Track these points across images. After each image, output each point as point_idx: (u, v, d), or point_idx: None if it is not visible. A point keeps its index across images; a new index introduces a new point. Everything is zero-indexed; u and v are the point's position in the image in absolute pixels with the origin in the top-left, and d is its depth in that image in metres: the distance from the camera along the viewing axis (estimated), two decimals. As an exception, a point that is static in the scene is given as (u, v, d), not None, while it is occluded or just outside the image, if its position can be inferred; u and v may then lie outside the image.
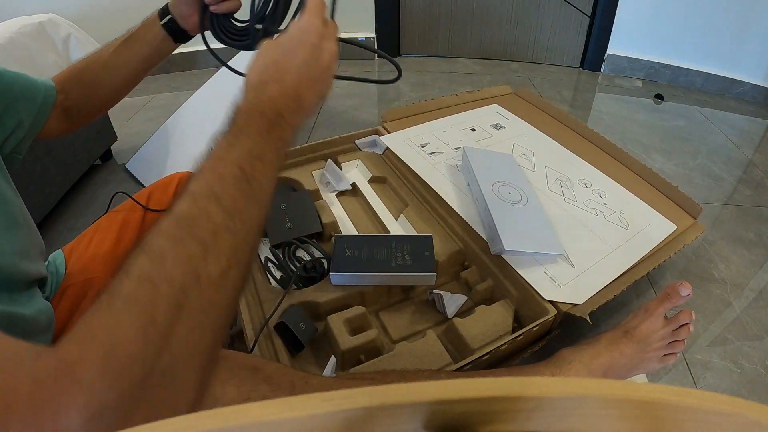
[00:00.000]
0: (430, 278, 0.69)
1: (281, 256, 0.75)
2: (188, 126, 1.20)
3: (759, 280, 0.88)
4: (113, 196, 0.82)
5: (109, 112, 1.24)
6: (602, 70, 1.91)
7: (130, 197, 0.75)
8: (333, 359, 0.60)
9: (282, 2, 0.55)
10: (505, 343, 0.60)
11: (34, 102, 0.54)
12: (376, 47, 1.97)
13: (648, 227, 0.81)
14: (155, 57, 0.64)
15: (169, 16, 0.62)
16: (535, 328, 0.62)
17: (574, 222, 0.80)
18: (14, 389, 0.21)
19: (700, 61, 1.76)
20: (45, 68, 1.03)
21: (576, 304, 0.66)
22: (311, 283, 0.70)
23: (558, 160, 0.97)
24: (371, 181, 0.95)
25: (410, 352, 0.61)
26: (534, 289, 0.67)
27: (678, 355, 0.67)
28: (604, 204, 0.85)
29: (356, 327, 0.65)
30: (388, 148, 0.99)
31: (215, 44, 0.65)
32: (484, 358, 0.59)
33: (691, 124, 1.50)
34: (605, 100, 1.69)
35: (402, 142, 1.00)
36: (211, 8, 0.59)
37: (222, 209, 0.29)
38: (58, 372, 0.22)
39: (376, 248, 0.70)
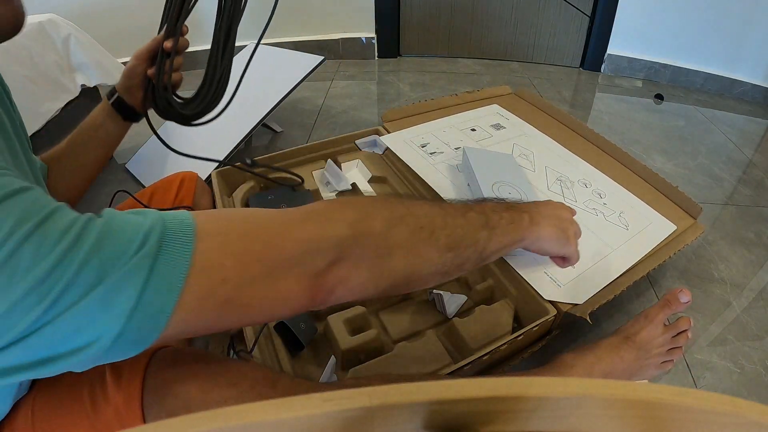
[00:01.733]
0: None
1: None
2: (188, 126, 1.20)
3: (759, 280, 0.88)
4: (114, 195, 0.82)
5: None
6: (602, 70, 1.91)
7: (132, 196, 0.75)
8: (333, 359, 0.60)
9: (210, 97, 0.66)
10: (505, 343, 0.60)
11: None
12: (376, 47, 1.97)
13: (648, 227, 0.81)
14: (107, 138, 0.67)
15: (116, 95, 0.65)
16: (535, 328, 0.62)
17: None
18: (274, 218, 0.34)
19: (700, 61, 1.76)
20: (45, 68, 1.03)
21: (576, 304, 0.66)
22: None
23: (558, 161, 0.97)
24: (371, 181, 0.95)
25: (410, 352, 0.61)
26: (534, 289, 0.67)
27: (675, 361, 0.67)
28: (604, 204, 0.85)
29: (356, 327, 0.65)
30: (388, 148, 0.99)
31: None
32: (484, 358, 0.59)
33: (691, 124, 1.50)
34: (605, 100, 1.69)
35: (402, 142, 1.00)
36: (150, 74, 0.61)
37: (464, 218, 0.42)
38: (319, 214, 0.35)
39: None
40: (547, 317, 0.63)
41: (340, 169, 0.95)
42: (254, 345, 0.59)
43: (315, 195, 0.89)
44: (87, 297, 0.26)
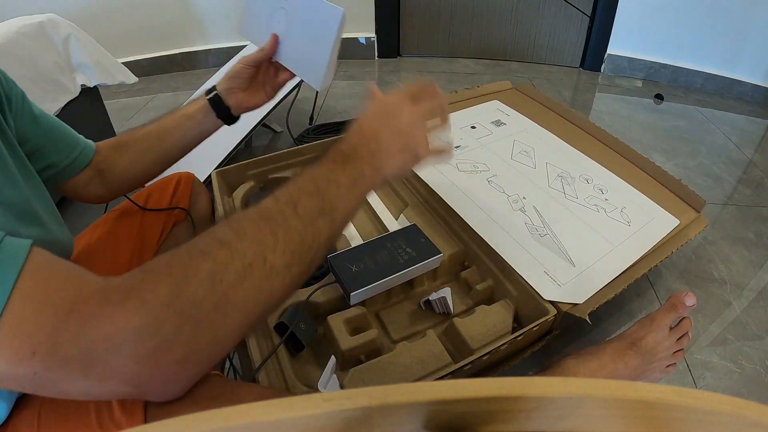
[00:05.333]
0: (437, 260, 0.70)
1: None
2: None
3: (759, 280, 0.88)
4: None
5: (109, 112, 1.25)
6: (602, 70, 1.91)
7: (128, 198, 0.75)
8: (333, 359, 0.60)
9: None
10: (505, 343, 0.60)
11: (71, 152, 0.60)
12: (376, 47, 1.97)
13: (650, 223, 0.80)
14: (194, 131, 0.69)
15: (215, 92, 0.67)
16: (535, 328, 0.62)
17: (574, 219, 0.79)
18: (81, 293, 0.28)
19: (700, 61, 1.76)
20: (45, 68, 1.03)
21: (576, 304, 0.66)
22: (311, 283, 0.70)
23: (559, 156, 0.96)
24: None
25: (410, 352, 0.61)
26: (534, 289, 0.67)
27: (678, 364, 0.67)
28: (606, 200, 0.84)
29: (356, 327, 0.65)
30: None
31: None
32: (484, 358, 0.59)
33: (691, 124, 1.50)
34: (605, 100, 1.69)
35: None
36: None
37: (296, 215, 0.35)
38: (129, 292, 0.29)
39: (375, 254, 0.69)
40: (546, 317, 0.63)
41: None
42: (259, 368, 0.58)
43: None
44: None
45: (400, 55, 2.04)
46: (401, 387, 0.16)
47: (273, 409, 0.15)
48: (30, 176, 0.49)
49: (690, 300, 0.64)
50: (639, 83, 1.82)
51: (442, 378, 0.57)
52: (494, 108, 1.15)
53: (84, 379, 0.28)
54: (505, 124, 1.07)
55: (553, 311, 0.64)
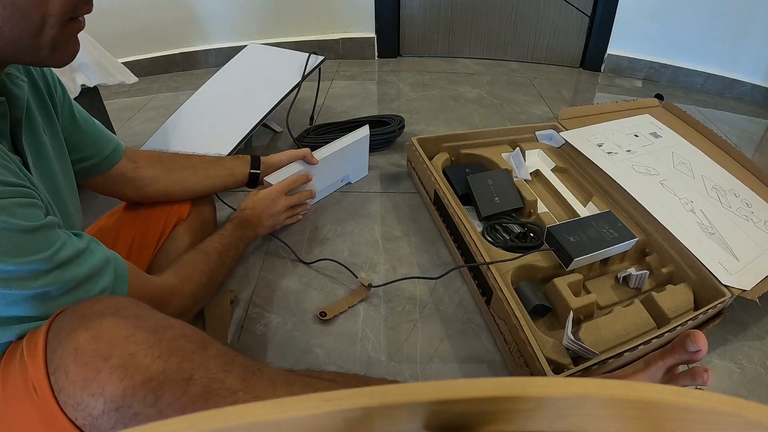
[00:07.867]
0: (633, 243, 0.79)
1: (493, 226, 0.88)
2: (188, 126, 1.20)
3: (759, 280, 0.88)
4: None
5: (109, 112, 1.24)
6: (602, 70, 1.91)
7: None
8: (572, 313, 0.66)
9: None
10: (700, 312, 0.67)
11: (105, 148, 0.65)
12: (376, 47, 1.97)
13: None
14: (228, 185, 0.83)
15: (258, 171, 0.85)
16: (718, 305, 0.70)
17: (731, 224, 0.88)
18: (141, 296, 0.45)
19: (700, 61, 1.76)
20: (45, 68, 1.03)
21: (744, 290, 0.73)
22: (523, 250, 0.78)
23: (709, 171, 1.03)
24: (554, 170, 1.04)
25: (624, 316, 0.68)
26: (713, 274, 0.74)
27: None
28: (752, 213, 0.92)
29: (575, 291, 0.73)
30: (565, 143, 1.07)
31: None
32: (689, 323, 0.66)
33: (691, 124, 1.49)
34: (605, 100, 1.69)
35: (580, 140, 1.07)
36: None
37: (223, 260, 0.70)
38: (168, 291, 0.56)
39: (585, 230, 0.78)
40: (724, 298, 0.70)
41: (524, 157, 1.05)
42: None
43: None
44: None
45: (400, 55, 2.04)
46: (401, 387, 0.16)
47: (273, 409, 0.15)
48: (67, 170, 0.56)
49: (692, 345, 0.50)
50: (639, 83, 1.82)
51: (648, 342, 0.62)
52: (648, 121, 1.22)
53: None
54: (661, 137, 1.15)
55: (728, 294, 0.71)
